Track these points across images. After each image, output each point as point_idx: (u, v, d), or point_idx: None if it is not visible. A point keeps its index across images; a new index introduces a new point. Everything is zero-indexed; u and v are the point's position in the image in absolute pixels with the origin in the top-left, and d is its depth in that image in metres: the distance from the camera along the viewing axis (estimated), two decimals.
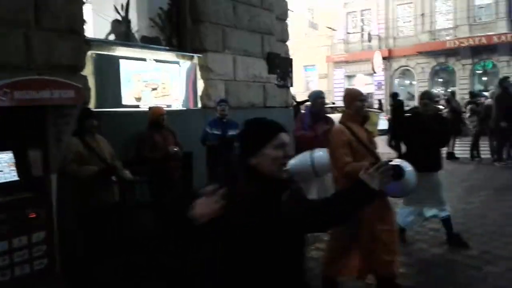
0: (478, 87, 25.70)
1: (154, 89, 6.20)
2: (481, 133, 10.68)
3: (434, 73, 28.17)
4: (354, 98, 3.53)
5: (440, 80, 28.57)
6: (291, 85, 9.06)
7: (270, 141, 1.65)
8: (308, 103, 5.64)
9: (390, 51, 28.49)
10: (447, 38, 26.12)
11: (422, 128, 4.81)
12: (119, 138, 5.05)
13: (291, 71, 8.95)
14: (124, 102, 5.72)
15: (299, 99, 11.77)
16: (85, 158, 4.13)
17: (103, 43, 5.86)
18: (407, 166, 3.25)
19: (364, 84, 28.26)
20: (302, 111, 6.64)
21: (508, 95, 9.64)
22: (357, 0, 29.51)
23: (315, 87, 29.54)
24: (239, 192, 1.59)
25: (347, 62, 30.09)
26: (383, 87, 29.14)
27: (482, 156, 10.77)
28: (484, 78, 26.87)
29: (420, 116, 4.99)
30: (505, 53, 24.79)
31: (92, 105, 5.12)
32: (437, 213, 4.99)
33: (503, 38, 23.95)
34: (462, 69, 26.62)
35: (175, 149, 5.17)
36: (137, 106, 5.93)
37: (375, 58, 26.48)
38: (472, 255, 4.70)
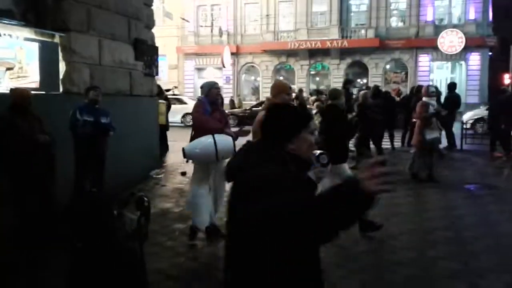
0: (312, 86, 28.49)
1: (9, 68, 5.41)
2: None
3: (277, 71, 30.26)
4: (282, 91, 3.72)
5: (281, 77, 30.80)
6: (157, 74, 8.83)
7: (305, 126, 1.71)
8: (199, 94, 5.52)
9: (238, 47, 29.61)
10: (288, 39, 28.29)
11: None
12: None
13: (157, 59, 8.72)
14: None
15: None
16: None
17: None
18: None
19: (213, 77, 28.85)
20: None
21: (348, 94, 10.94)
22: None
23: (165, 77, 29.10)
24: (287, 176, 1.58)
25: (197, 54, 30.32)
26: (231, 81, 30.20)
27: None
28: (317, 78, 29.97)
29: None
30: (335, 57, 27.99)
31: None
32: None
33: (334, 43, 26.98)
34: (300, 69, 29.18)
35: (46, 138, 4.61)
36: None
37: (224, 53, 27.24)
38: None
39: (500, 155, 10.62)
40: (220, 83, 30.01)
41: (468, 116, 15.79)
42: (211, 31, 30.00)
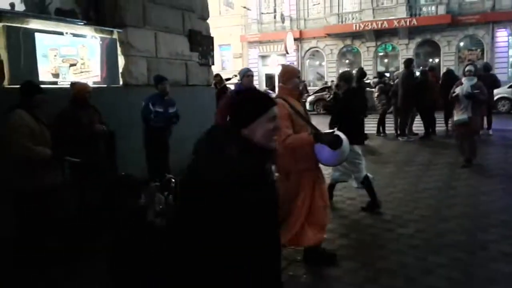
0: (380, 68, 27.58)
1: (72, 65, 5.91)
2: (387, 110, 11.58)
3: (342, 55, 29.64)
4: (293, 75, 3.72)
5: (347, 61, 30.16)
6: (213, 64, 9.08)
7: (264, 113, 1.68)
8: (237, 80, 5.71)
9: (301, 32, 29.38)
10: (353, 21, 27.54)
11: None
12: None
13: (212, 49, 8.97)
14: (41, 78, 5.38)
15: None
16: (37, 135, 3.94)
17: (14, 14, 5.43)
18: (343, 137, 3.53)
19: (277, 64, 28.89)
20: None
21: (412, 76, 10.56)
22: None
23: (230, 66, 29.68)
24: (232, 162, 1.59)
25: (260, 42, 30.52)
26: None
27: (387, 132, 11.71)
28: (386, 60, 28.90)
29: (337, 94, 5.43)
30: (404, 37, 26.81)
31: (6, 81, 4.76)
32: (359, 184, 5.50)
33: (402, 22, 25.83)
34: (366, 51, 28.34)
35: (103, 127, 5.00)
36: (55, 83, 5.61)
37: (287, 39, 27.13)
38: (386, 219, 5.20)
39: None
40: None
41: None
42: (274, 17, 29.99)
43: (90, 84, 6.06)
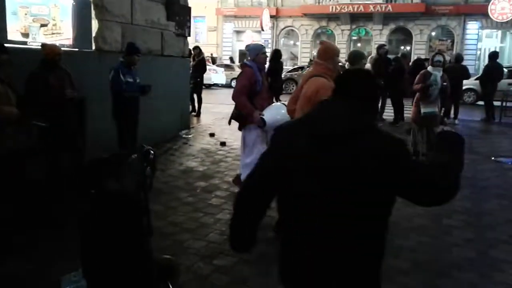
0: None
1: (43, 25, 5.62)
2: None
3: (317, 36, 29.60)
4: (335, 53, 3.51)
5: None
6: (189, 35, 8.89)
7: None
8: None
9: (277, 10, 29.08)
10: (330, 3, 27.45)
11: None
12: None
13: (189, 20, 8.76)
14: (9, 37, 5.10)
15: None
16: (1, 95, 3.73)
17: None
18: None
19: (252, 41, 28.63)
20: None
21: (382, 61, 10.67)
22: None
23: (204, 39, 29.17)
24: None
25: (236, 16, 30.05)
26: (269, 45, 29.86)
27: None
28: (359, 44, 29.09)
29: None
30: (378, 22, 27.01)
31: None
32: None
33: (378, 8, 25.98)
34: (341, 34, 28.40)
35: (75, 93, 4.81)
36: (25, 43, 5.34)
37: (263, 16, 26.90)
38: None
39: None
40: None
41: None
42: None
43: (61, 47, 5.83)
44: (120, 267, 2.75)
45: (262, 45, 4.99)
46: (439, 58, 7.12)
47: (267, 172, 1.71)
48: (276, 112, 4.41)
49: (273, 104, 5.11)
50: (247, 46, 4.93)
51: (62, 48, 5.67)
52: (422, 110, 6.79)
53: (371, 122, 1.65)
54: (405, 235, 4.31)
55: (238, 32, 30.89)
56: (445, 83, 6.94)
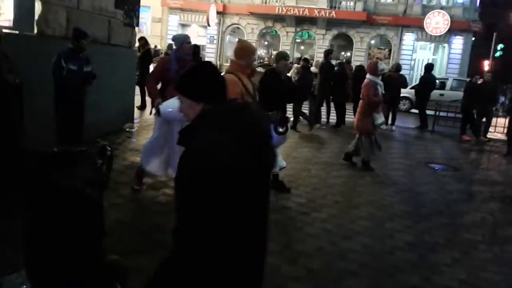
0: (296, 54, 28.28)
1: None
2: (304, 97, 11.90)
3: (262, 35, 29.84)
4: (249, 52, 3.57)
5: (266, 43, 30.46)
6: (137, 25, 8.60)
7: None
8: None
9: (224, 6, 28.95)
10: (276, 4, 27.77)
11: (281, 86, 5.22)
12: None
13: (138, 10, 8.48)
14: None
15: None
16: None
17: None
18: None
19: (197, 35, 28.28)
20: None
21: (329, 66, 10.96)
22: None
23: (148, 30, 28.35)
24: None
25: (182, 9, 29.54)
26: (215, 41, 29.67)
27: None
28: (302, 47, 29.73)
29: (278, 74, 5.33)
30: (322, 27, 27.74)
31: None
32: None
33: (322, 13, 26.66)
34: (286, 36, 28.85)
35: (16, 79, 4.48)
36: None
37: (210, 11, 26.64)
38: (301, 202, 5.39)
39: (469, 138, 10.91)
40: (204, 42, 29.52)
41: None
42: None
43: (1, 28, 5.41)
44: (69, 268, 2.59)
45: (187, 35, 4.98)
46: (382, 67, 7.32)
47: None
48: (171, 105, 4.36)
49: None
50: (173, 36, 5.04)
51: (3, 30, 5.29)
52: (378, 121, 6.83)
53: None
54: (350, 236, 4.45)
55: (183, 25, 30.37)
56: (383, 92, 7.00)
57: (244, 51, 3.62)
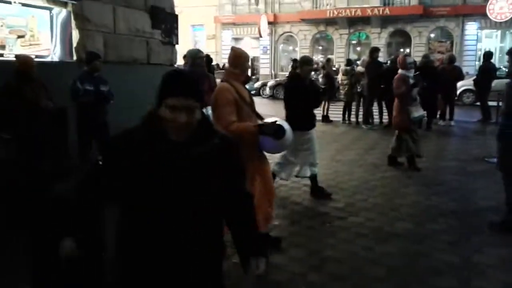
0: (352, 56, 27.66)
1: (20, 36, 5.58)
2: (353, 98, 11.58)
3: (315, 41, 29.56)
4: (244, 59, 3.55)
5: (320, 47, 30.13)
6: (177, 43, 8.82)
7: (164, 98, 1.58)
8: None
9: (275, 16, 29.08)
10: (327, 7, 27.41)
11: (305, 90, 5.14)
12: None
13: (177, 28, 8.70)
14: None
15: None
16: None
17: None
18: (286, 126, 3.45)
19: (250, 48, 28.63)
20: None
21: (376, 64, 10.57)
22: None
23: (203, 47, 29.18)
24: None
25: (234, 24, 30.08)
26: (268, 51, 29.84)
27: (352, 119, 11.74)
28: (358, 48, 29.00)
29: (302, 79, 5.25)
30: (376, 26, 26.92)
31: None
32: (309, 172, 5.40)
33: (375, 11, 25.90)
34: (339, 38, 28.34)
35: (51, 105, 4.75)
36: (1, 55, 5.31)
37: (261, 22, 26.89)
38: (339, 207, 5.18)
39: None
40: (258, 53, 29.81)
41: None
42: None
43: (45, 58, 5.79)
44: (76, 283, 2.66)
45: (198, 50, 4.96)
46: (411, 59, 6.85)
47: None
48: None
49: None
50: (187, 52, 4.97)
51: (41, 59, 5.66)
52: (414, 115, 6.52)
53: None
54: (386, 240, 4.19)
55: (236, 39, 30.89)
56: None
57: (237, 59, 3.56)
